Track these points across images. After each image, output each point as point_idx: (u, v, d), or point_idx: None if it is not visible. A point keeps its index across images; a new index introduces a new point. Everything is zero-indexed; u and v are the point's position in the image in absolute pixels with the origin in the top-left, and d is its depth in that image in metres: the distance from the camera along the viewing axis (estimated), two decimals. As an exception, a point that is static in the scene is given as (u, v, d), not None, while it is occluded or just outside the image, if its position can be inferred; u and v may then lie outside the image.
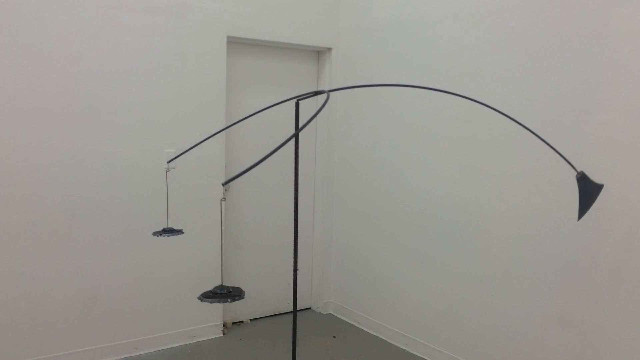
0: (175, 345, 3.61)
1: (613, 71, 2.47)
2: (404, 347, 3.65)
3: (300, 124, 3.98)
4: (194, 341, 3.68)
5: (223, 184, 1.50)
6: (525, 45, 2.83)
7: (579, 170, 2.09)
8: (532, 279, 2.84)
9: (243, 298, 1.69)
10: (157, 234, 2.34)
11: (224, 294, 1.68)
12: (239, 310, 4.07)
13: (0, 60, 2.92)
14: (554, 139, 2.71)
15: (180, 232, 2.36)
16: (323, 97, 3.90)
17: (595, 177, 2.53)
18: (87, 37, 3.15)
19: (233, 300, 1.66)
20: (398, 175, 3.66)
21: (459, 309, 3.26)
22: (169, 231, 2.34)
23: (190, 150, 3.54)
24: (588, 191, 2.06)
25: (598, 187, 2.06)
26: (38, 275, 3.12)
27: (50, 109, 3.09)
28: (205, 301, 1.65)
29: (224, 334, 3.83)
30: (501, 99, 2.96)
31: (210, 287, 3.71)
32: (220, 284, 1.81)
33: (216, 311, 3.78)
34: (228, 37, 3.67)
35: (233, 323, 4.04)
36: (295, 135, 1.79)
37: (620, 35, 2.44)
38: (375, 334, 3.89)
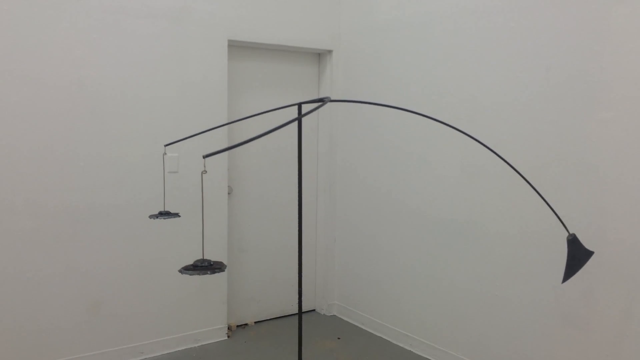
0: (180, 348, 3.62)
1: (613, 70, 2.48)
2: (409, 348, 3.65)
3: (303, 127, 3.99)
4: (199, 344, 3.69)
5: (204, 157, 1.51)
6: (526, 45, 2.84)
7: (571, 232, 2.03)
8: (535, 278, 2.84)
9: (223, 271, 1.70)
10: (154, 216, 2.38)
11: (205, 266, 1.68)
12: (244, 313, 4.08)
13: (3, 67, 2.95)
14: (555, 138, 2.71)
15: (176, 215, 2.41)
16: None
17: (597, 176, 2.54)
18: (90, 43, 3.17)
19: (213, 272, 1.66)
20: (400, 176, 3.67)
21: (463, 309, 3.26)
22: (165, 214, 2.38)
23: (193, 154, 3.55)
24: (577, 256, 1.98)
25: (587, 254, 1.98)
26: (43, 280, 3.13)
27: (53, 114, 3.10)
28: (185, 273, 1.66)
29: (228, 337, 3.84)
30: (502, 99, 2.96)
31: (214, 290, 3.73)
32: (202, 257, 1.81)
33: (221, 314, 3.78)
34: (229, 40, 3.69)
35: (238, 326, 4.04)
36: (299, 120, 1.80)
37: (620, 34, 2.45)
38: (380, 335, 3.89)
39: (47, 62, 3.06)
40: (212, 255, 3.69)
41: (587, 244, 2.60)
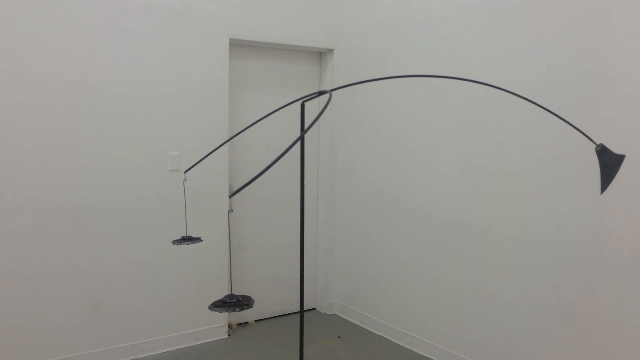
0: (181, 347, 3.63)
1: (615, 69, 2.48)
2: (409, 347, 3.66)
3: (305, 125, 3.98)
4: (200, 343, 3.70)
5: (230, 196, 1.52)
6: (527, 44, 2.84)
7: (597, 143, 2.02)
8: (536, 277, 2.84)
9: (252, 307, 1.72)
10: (177, 242, 2.34)
11: (234, 303, 1.71)
12: (244, 311, 4.08)
13: (4, 65, 2.95)
14: (556, 137, 2.72)
15: (199, 239, 2.36)
16: (325, 98, 3.91)
17: (597, 176, 2.54)
18: (90, 41, 3.17)
19: (242, 309, 1.70)
20: (401, 175, 3.67)
21: (464, 308, 3.26)
22: (187, 239, 2.34)
23: (195, 153, 3.55)
24: (609, 163, 1.97)
25: (619, 158, 1.97)
26: (44, 278, 3.14)
27: (54, 112, 3.10)
28: (215, 310, 1.68)
29: (229, 335, 3.85)
30: (503, 98, 2.96)
31: (215, 289, 3.73)
32: (230, 293, 1.84)
33: (221, 313, 3.78)
34: (230, 39, 3.69)
35: (238, 324, 4.05)
36: (301, 138, 1.80)
37: (621, 34, 2.45)
38: (380, 334, 3.90)
39: (48, 60, 3.06)
40: (212, 254, 3.70)
41: (587, 243, 2.60)
